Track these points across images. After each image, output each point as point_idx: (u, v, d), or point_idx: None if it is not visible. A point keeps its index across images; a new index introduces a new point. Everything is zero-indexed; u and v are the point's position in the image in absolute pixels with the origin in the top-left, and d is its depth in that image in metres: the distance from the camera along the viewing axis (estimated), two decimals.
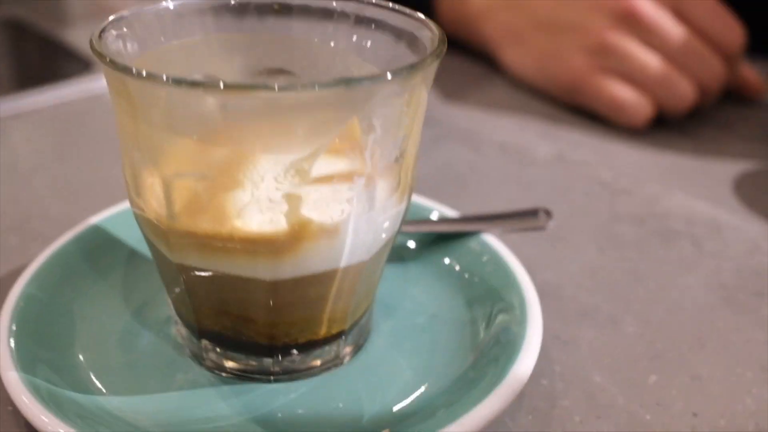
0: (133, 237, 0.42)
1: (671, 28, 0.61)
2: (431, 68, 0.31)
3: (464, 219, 0.43)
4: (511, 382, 0.32)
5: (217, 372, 0.35)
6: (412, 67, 0.29)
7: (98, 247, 0.41)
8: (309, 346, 0.35)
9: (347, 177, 0.30)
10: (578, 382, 0.37)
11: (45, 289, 0.37)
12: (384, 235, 0.33)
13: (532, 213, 0.43)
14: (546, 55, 0.67)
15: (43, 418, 0.29)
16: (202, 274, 0.32)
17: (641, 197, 0.55)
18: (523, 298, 0.37)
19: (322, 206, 0.30)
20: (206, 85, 0.27)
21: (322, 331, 0.34)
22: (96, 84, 0.65)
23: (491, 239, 0.41)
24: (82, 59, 0.70)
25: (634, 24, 0.61)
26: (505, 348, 0.34)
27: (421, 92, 0.31)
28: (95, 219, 0.41)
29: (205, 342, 0.35)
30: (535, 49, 0.68)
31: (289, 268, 0.31)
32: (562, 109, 0.68)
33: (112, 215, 0.42)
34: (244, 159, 0.29)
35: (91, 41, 0.31)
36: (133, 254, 0.41)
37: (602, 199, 0.54)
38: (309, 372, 0.35)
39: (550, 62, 0.67)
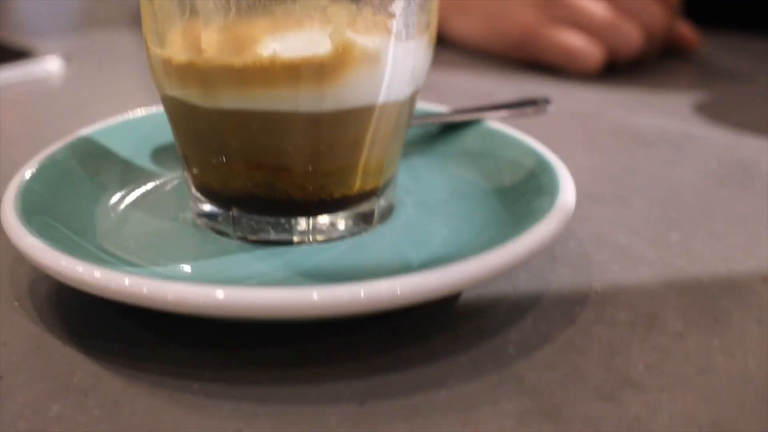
0: (127, 148, 0.39)
1: None
2: None
3: (463, 110, 0.42)
4: (561, 208, 0.31)
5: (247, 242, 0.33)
6: None
7: (92, 155, 0.38)
8: (343, 203, 0.33)
9: None
10: (606, 243, 0.37)
11: (43, 184, 0.34)
12: (415, 77, 0.33)
13: (530, 102, 0.43)
14: (493, 17, 0.68)
15: (79, 268, 0.26)
16: (239, 120, 0.31)
17: (610, 119, 0.56)
18: (542, 158, 0.36)
19: (363, 29, 0.30)
20: None
21: (357, 185, 0.33)
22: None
23: (495, 123, 0.41)
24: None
25: None
26: (540, 191, 0.33)
27: None
28: (87, 131, 0.39)
29: (234, 212, 0.33)
30: (480, 14, 0.69)
31: (330, 99, 0.30)
32: (514, 65, 0.69)
33: (105, 128, 0.40)
34: None
35: None
36: (128, 164, 0.39)
37: (574, 123, 0.55)
38: (343, 233, 0.33)
39: (498, 23, 0.68)
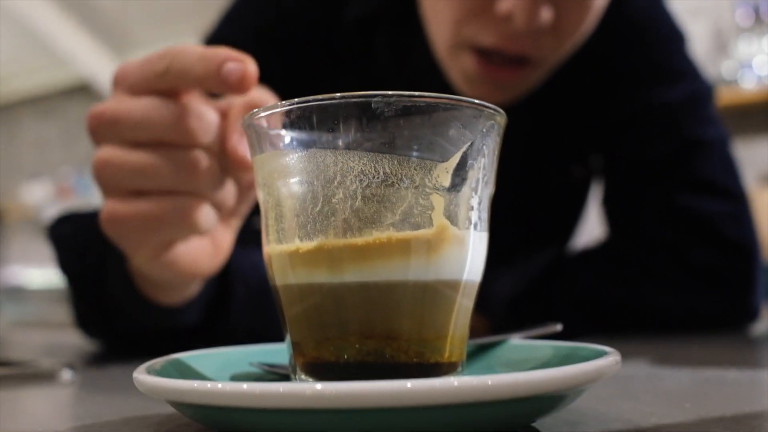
0: (210, 371, 0.44)
1: None
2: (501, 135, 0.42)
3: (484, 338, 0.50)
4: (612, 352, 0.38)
5: None
6: (504, 116, 0.41)
7: (184, 370, 0.43)
8: (436, 369, 0.39)
9: (471, 188, 0.39)
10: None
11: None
12: (482, 264, 0.41)
13: (543, 325, 0.51)
14: None
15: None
16: (358, 292, 0.37)
17: None
18: (577, 346, 0.44)
19: (454, 214, 0.39)
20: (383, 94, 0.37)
21: (447, 354, 0.39)
22: None
23: (520, 340, 0.49)
24: None
25: None
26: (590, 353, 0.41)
27: (498, 149, 0.42)
28: (179, 355, 0.44)
29: None
30: None
31: (433, 270, 0.38)
32: None
33: (193, 354, 0.45)
34: (401, 163, 0.37)
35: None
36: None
37: None
38: None
39: None
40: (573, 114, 1.00)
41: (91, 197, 4.25)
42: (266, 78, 0.57)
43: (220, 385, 0.32)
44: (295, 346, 0.40)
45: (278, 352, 0.46)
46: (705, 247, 0.92)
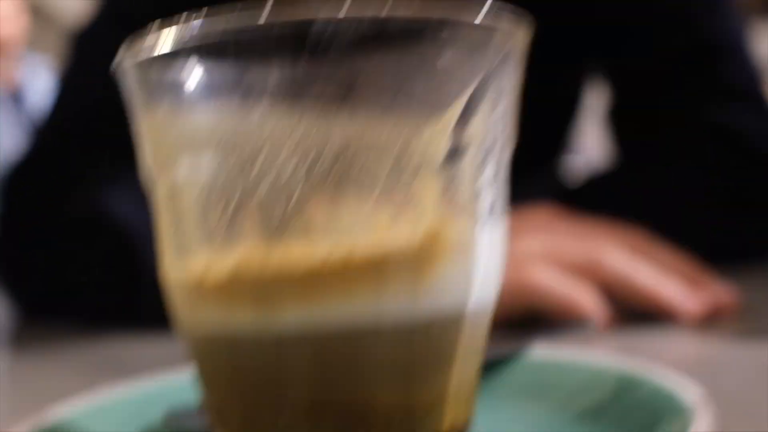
0: None
1: None
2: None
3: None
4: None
5: None
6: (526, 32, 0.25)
7: None
8: None
9: (483, 154, 0.24)
10: None
11: None
12: (499, 274, 0.26)
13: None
14: None
15: None
16: (302, 348, 0.23)
17: None
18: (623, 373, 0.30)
19: (455, 202, 0.24)
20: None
21: (447, 420, 0.25)
22: None
23: (539, 352, 0.34)
24: None
25: None
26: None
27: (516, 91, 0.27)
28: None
29: None
30: None
31: (423, 302, 0.23)
32: None
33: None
34: (367, 124, 0.22)
35: None
36: None
37: None
38: None
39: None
40: (566, 12, 0.82)
41: None
42: None
43: None
44: (215, 415, 0.26)
45: None
46: (743, 166, 0.75)
